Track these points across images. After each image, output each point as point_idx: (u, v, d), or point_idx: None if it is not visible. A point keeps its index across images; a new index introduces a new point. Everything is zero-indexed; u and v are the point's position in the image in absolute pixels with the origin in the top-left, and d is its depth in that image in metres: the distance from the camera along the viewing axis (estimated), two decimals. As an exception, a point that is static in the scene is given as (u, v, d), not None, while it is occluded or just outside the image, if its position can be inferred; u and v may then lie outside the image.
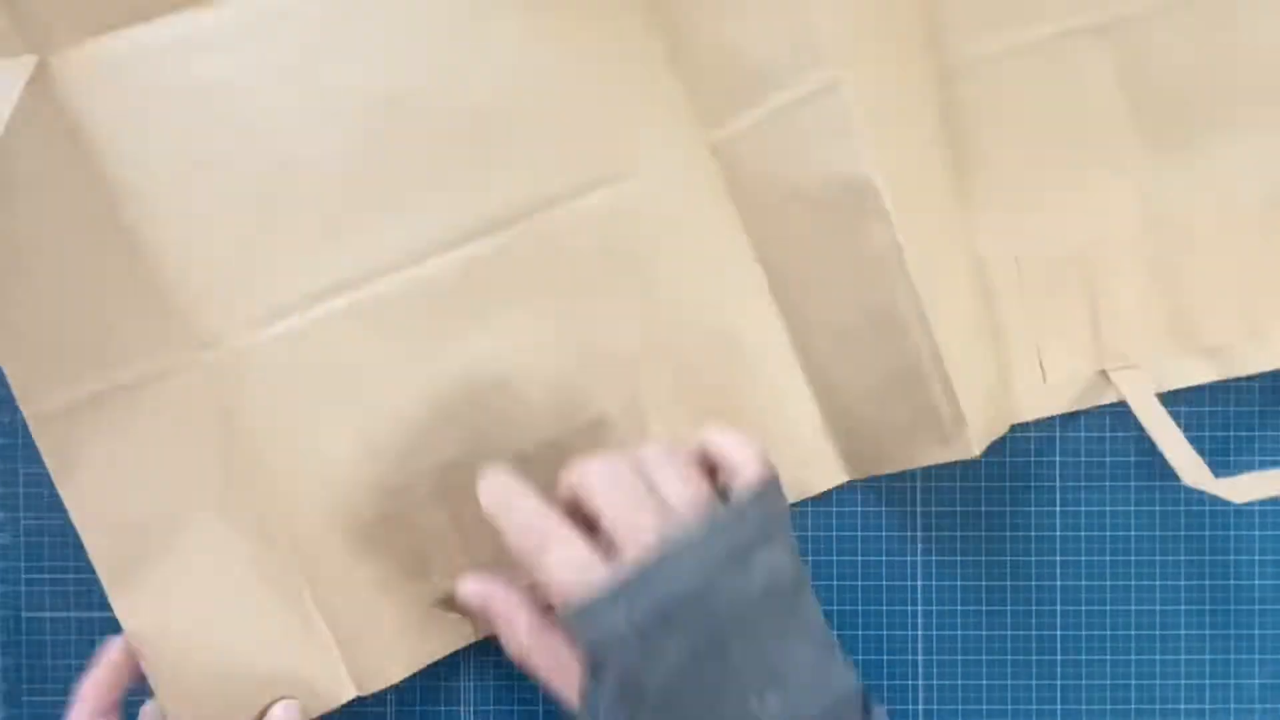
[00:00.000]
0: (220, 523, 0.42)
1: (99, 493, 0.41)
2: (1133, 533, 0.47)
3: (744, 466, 0.36)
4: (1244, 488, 0.42)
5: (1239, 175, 0.46)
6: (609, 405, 0.45)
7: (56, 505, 0.47)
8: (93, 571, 0.47)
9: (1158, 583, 0.47)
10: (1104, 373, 0.46)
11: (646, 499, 0.35)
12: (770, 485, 0.36)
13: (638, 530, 0.34)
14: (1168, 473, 0.47)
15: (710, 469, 0.38)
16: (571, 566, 0.34)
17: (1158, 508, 0.47)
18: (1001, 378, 0.46)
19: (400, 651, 0.44)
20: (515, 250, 0.43)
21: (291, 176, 0.42)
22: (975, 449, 0.43)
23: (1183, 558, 0.47)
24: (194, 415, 0.42)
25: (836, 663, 0.36)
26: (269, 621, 0.43)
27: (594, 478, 0.36)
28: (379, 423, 0.43)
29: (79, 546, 0.47)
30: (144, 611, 0.42)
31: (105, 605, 0.47)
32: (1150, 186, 0.46)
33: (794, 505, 0.47)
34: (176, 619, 0.42)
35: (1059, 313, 0.46)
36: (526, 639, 0.36)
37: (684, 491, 0.36)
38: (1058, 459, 0.47)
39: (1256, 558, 0.47)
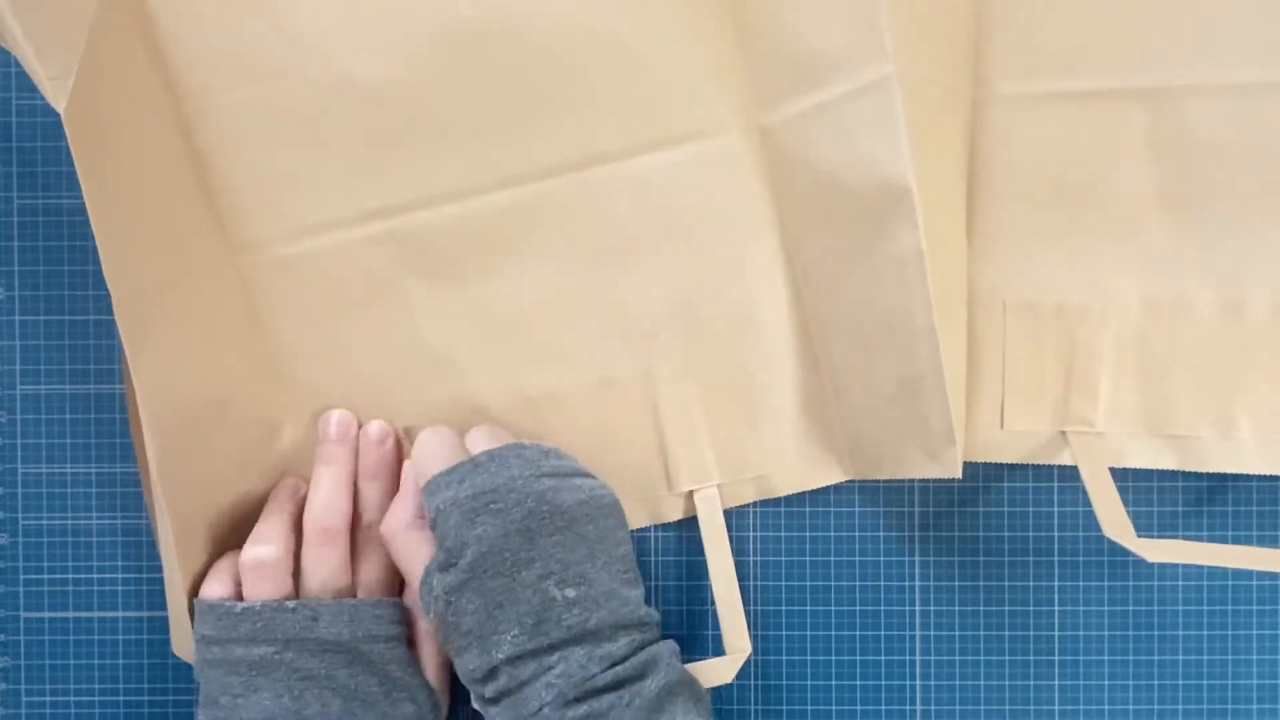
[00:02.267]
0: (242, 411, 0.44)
1: (160, 365, 0.41)
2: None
3: None
4: (1159, 549, 0.42)
5: (1249, 273, 0.44)
6: (619, 369, 0.46)
7: (55, 506, 0.47)
8: (91, 572, 0.47)
9: (1155, 583, 0.47)
10: (1063, 433, 0.46)
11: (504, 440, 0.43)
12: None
13: (494, 445, 0.42)
14: (1165, 473, 0.47)
15: None
16: (440, 451, 0.41)
17: (1155, 508, 0.47)
18: (968, 413, 0.46)
19: None
20: (557, 201, 0.44)
21: (347, 98, 0.43)
22: (959, 469, 0.42)
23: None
24: (225, 314, 0.43)
25: (635, 594, 0.41)
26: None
27: (475, 430, 0.43)
28: (400, 346, 0.45)
29: (77, 547, 0.47)
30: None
31: (104, 605, 0.47)
32: (1155, 263, 0.45)
33: (792, 503, 0.47)
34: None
35: (1033, 365, 0.45)
36: (404, 518, 0.42)
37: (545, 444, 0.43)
38: (1056, 464, 0.47)
39: (1254, 558, 0.47)
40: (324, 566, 0.42)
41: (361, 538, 0.44)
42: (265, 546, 0.41)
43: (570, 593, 0.39)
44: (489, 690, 0.39)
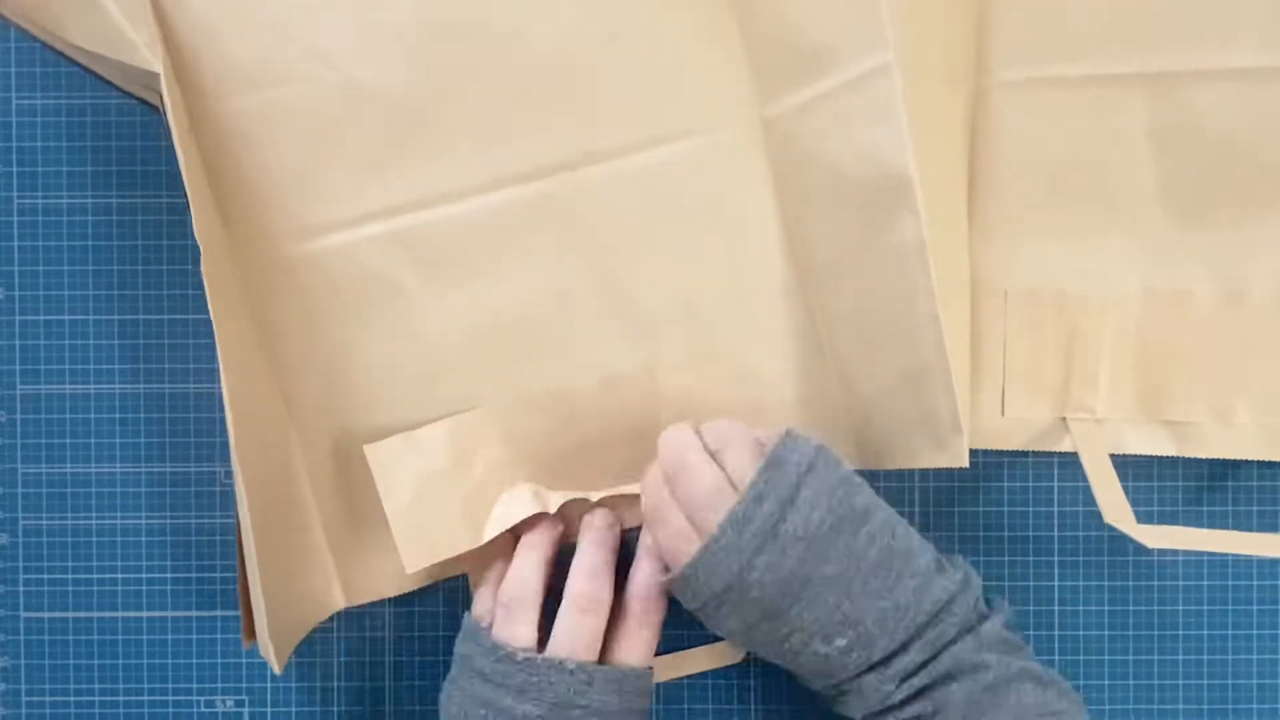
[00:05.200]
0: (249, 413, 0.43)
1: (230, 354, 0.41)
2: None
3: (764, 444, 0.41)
4: (1159, 536, 0.42)
5: (1250, 260, 0.45)
6: (623, 365, 0.46)
7: (55, 506, 0.47)
8: (91, 572, 0.47)
9: (1155, 583, 0.47)
10: (1064, 420, 0.46)
11: (713, 494, 0.39)
12: (779, 451, 0.39)
13: (708, 519, 0.39)
14: (1165, 468, 0.47)
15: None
16: (672, 542, 0.40)
17: (1155, 508, 0.47)
18: (971, 400, 0.46)
19: (391, 569, 0.46)
20: (558, 199, 0.44)
21: (352, 102, 0.43)
22: (966, 458, 0.43)
23: (1180, 558, 0.47)
24: (233, 310, 0.43)
25: (908, 587, 0.38)
26: (270, 520, 0.43)
27: (678, 466, 0.40)
28: (404, 345, 0.45)
29: (77, 546, 0.47)
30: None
31: (104, 605, 0.47)
32: (1156, 251, 0.45)
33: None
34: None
35: (1034, 352, 0.46)
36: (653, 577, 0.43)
37: (748, 469, 0.39)
38: (1055, 458, 0.47)
39: (1255, 558, 0.47)
40: (584, 634, 0.41)
41: (622, 613, 0.42)
42: (526, 589, 0.42)
43: (841, 642, 0.38)
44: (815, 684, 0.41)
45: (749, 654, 0.43)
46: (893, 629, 0.38)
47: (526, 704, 0.39)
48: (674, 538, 0.40)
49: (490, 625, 0.42)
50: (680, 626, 0.45)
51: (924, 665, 0.38)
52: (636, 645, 0.42)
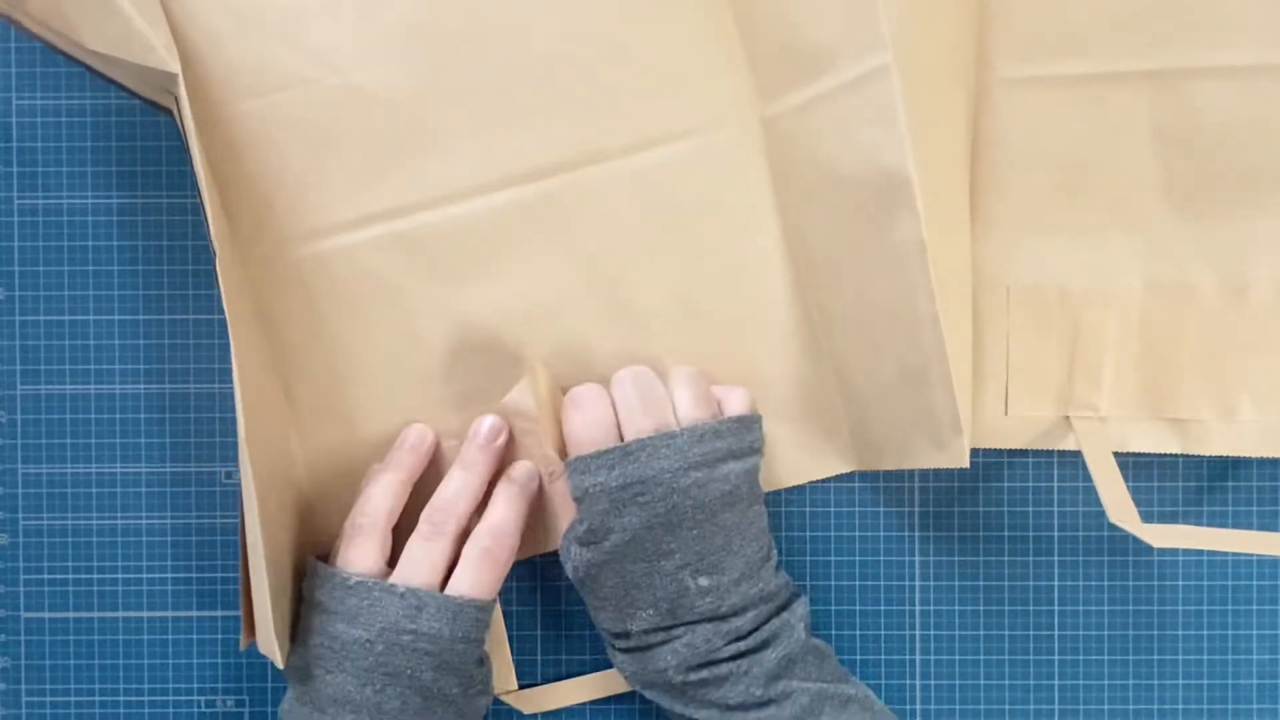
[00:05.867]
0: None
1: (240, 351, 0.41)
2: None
3: (735, 404, 0.44)
4: (1163, 535, 0.42)
5: (1252, 256, 0.45)
6: (624, 363, 0.45)
7: (55, 506, 0.47)
8: (91, 572, 0.47)
9: (1155, 583, 0.47)
10: (1067, 418, 0.46)
11: (655, 404, 0.42)
12: (750, 419, 0.44)
13: (639, 425, 0.42)
14: (1165, 473, 0.47)
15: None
16: (588, 428, 0.42)
17: (1155, 508, 0.47)
18: (974, 399, 0.46)
19: None
20: (557, 200, 0.45)
21: (353, 105, 0.44)
22: (966, 459, 0.43)
23: (1180, 558, 0.47)
24: (237, 311, 0.43)
25: (767, 568, 0.43)
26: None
27: (625, 377, 0.43)
28: (403, 344, 0.45)
29: (78, 546, 0.47)
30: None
31: (104, 605, 0.47)
32: (1159, 248, 0.45)
33: (792, 503, 0.47)
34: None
35: (1037, 350, 0.46)
36: (558, 483, 0.44)
37: (690, 411, 0.43)
38: (1055, 459, 0.47)
39: (1255, 558, 0.47)
40: (425, 561, 0.41)
41: (469, 545, 0.43)
42: (371, 514, 0.42)
43: (705, 581, 0.41)
44: (619, 643, 0.43)
45: (634, 687, 0.44)
46: (745, 590, 0.42)
47: (357, 629, 0.40)
48: (592, 426, 0.42)
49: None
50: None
51: (752, 631, 0.42)
52: (475, 579, 0.42)
